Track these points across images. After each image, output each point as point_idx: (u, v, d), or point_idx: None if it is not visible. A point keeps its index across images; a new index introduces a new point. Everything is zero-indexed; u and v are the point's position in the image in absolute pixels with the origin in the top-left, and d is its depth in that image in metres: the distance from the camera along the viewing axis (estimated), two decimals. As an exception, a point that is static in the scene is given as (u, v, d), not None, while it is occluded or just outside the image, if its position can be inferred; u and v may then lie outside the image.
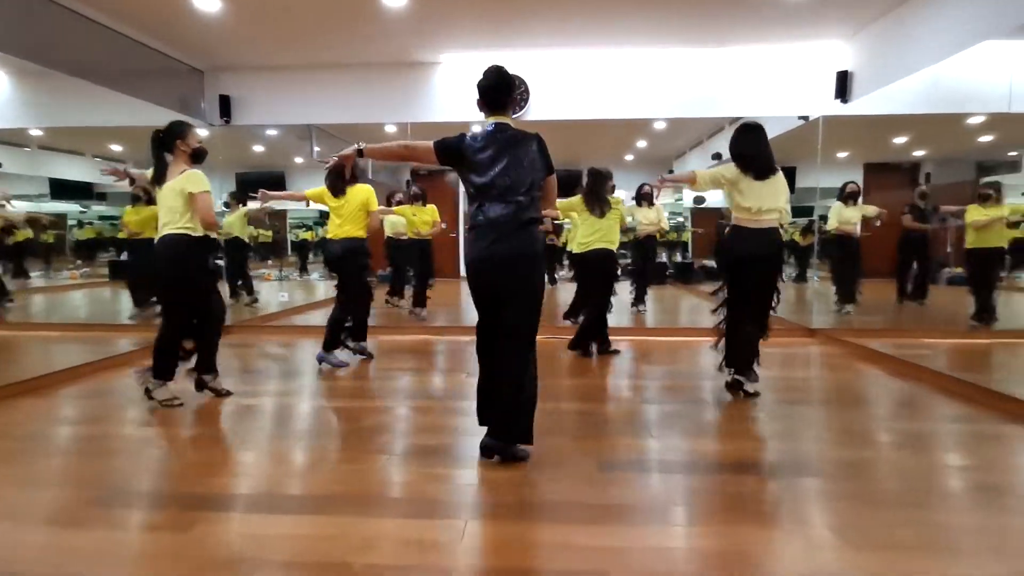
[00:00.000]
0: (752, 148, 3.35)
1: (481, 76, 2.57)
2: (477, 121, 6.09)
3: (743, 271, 3.37)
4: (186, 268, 3.23)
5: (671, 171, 10.48)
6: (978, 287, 5.49)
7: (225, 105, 6.01)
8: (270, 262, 11.23)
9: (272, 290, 9.07)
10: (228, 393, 3.51)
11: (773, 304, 3.42)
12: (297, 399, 3.61)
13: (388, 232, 7.05)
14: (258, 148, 8.59)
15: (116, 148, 7.90)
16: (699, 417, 3.19)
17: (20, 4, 4.15)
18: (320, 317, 7.01)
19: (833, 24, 5.10)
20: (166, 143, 3.22)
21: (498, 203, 2.43)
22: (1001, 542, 1.88)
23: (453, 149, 2.52)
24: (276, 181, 10.43)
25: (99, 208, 8.53)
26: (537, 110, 5.74)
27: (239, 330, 5.88)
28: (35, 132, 6.77)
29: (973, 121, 6.50)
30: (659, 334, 5.69)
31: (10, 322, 6.24)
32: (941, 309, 6.74)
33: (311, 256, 11.98)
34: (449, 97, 5.93)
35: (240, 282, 7.36)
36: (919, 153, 8.51)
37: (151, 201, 6.10)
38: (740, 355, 3.42)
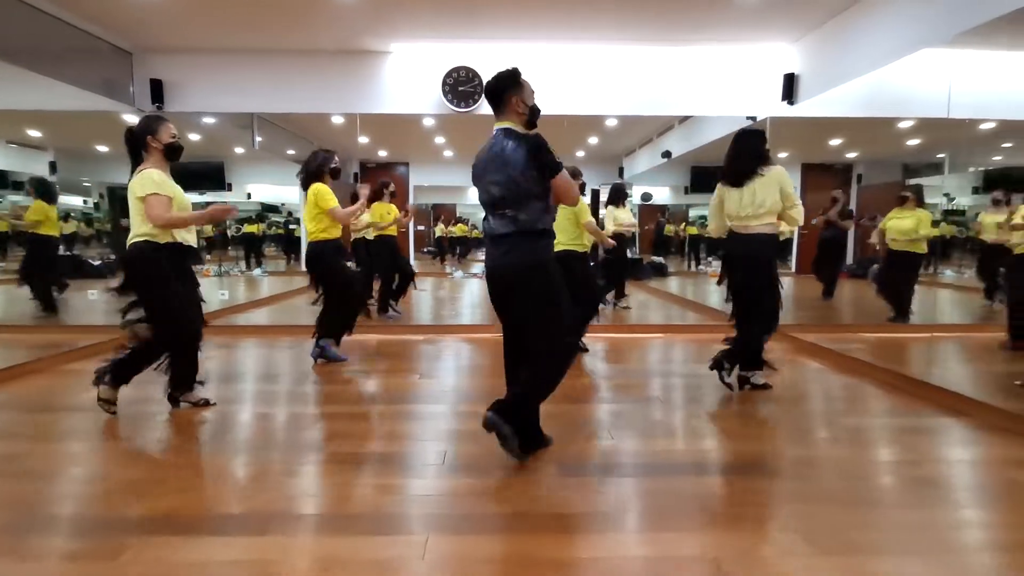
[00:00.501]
0: (728, 157, 3.52)
1: None
2: (428, 114, 5.99)
3: (731, 273, 3.56)
4: (148, 280, 2.96)
5: (621, 168, 10.64)
6: (894, 287, 5.75)
7: (157, 90, 5.61)
8: (208, 257, 10.70)
9: (211, 287, 8.61)
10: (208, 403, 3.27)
11: (771, 304, 3.46)
12: (237, 406, 3.38)
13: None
14: (194, 136, 8.11)
15: (34, 134, 7.29)
16: (652, 417, 3.17)
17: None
18: (263, 316, 6.70)
19: (780, 27, 5.22)
20: (138, 141, 2.97)
21: (495, 216, 2.41)
22: (958, 538, 1.93)
23: None
24: (215, 173, 9.96)
25: (15, 198, 7.86)
26: (486, 105, 5.62)
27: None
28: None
29: (903, 125, 6.83)
30: (610, 331, 5.71)
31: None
32: (872, 303, 7.06)
33: (267, 250, 11.63)
34: (399, 88, 5.74)
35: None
36: (852, 155, 8.93)
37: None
38: (738, 352, 3.54)
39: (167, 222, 2.90)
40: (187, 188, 7.41)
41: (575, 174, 4.48)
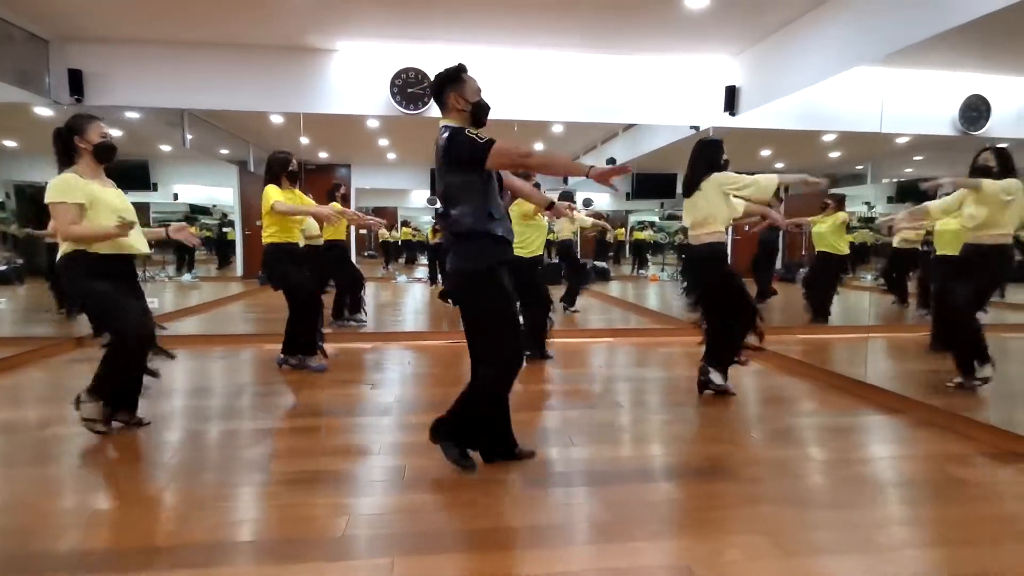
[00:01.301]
0: (688, 168, 3.55)
1: None
2: (375, 116, 5.83)
3: (688, 282, 3.66)
4: (75, 292, 2.77)
5: (565, 179, 10.77)
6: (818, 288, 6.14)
7: (76, 81, 5.17)
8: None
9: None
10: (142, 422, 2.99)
11: (738, 304, 3.49)
12: (169, 424, 3.14)
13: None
14: (115, 132, 7.55)
15: None
16: (607, 423, 3.19)
17: None
18: (194, 325, 6.32)
19: (723, 41, 5.41)
20: (66, 141, 2.74)
21: (442, 219, 2.35)
22: (914, 534, 2.02)
23: None
24: (138, 171, 9.33)
25: None
26: (436, 107, 5.52)
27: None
28: None
29: (827, 138, 7.23)
30: (558, 335, 5.72)
31: None
32: (799, 304, 7.43)
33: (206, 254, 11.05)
34: (346, 88, 5.55)
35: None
36: (779, 165, 9.39)
37: None
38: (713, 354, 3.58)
39: (73, 235, 2.65)
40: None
41: (526, 176, 4.46)
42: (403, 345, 5.17)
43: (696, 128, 6.04)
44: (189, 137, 6.37)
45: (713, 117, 5.89)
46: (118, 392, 2.88)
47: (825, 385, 3.97)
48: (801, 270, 8.45)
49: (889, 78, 4.21)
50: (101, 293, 2.72)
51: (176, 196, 10.80)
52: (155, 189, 9.81)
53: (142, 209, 9.19)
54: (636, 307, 7.85)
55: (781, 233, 7.86)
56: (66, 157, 2.77)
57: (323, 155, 8.94)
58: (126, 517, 2.08)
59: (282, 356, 4.18)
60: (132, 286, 2.88)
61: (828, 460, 2.70)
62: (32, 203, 7.20)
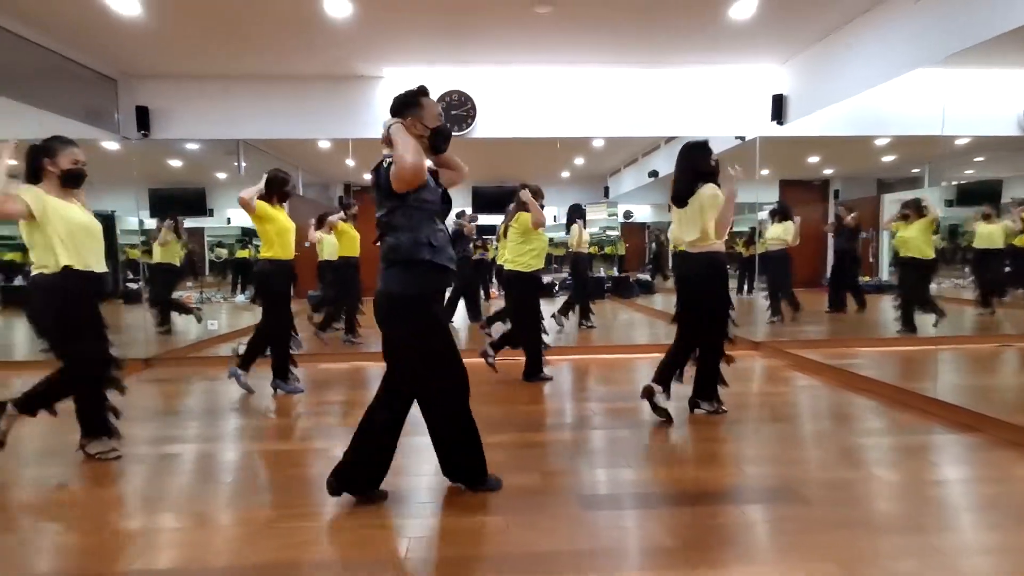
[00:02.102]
0: (673, 177, 3.36)
1: None
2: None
3: (682, 292, 3.46)
4: (46, 313, 2.74)
5: (606, 188, 10.73)
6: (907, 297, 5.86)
7: (143, 117, 5.49)
8: (189, 284, 10.44)
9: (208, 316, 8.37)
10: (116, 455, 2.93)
11: (714, 330, 3.34)
12: (227, 443, 3.25)
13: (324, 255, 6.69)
14: (176, 163, 7.96)
15: (11, 162, 7.05)
16: (665, 442, 3.13)
17: None
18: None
19: (767, 49, 5.32)
20: (36, 161, 2.75)
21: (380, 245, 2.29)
22: (1002, 563, 1.90)
23: None
24: (195, 198, 9.78)
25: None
26: (483, 127, 5.61)
27: (160, 363, 5.35)
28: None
29: (880, 142, 6.99)
30: (600, 351, 5.67)
31: None
32: (857, 317, 7.13)
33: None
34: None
35: (171, 308, 6.93)
36: (829, 171, 9.12)
37: None
38: (667, 373, 3.39)
39: None
40: (166, 213, 7.28)
41: (536, 193, 4.38)
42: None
43: (742, 138, 5.93)
44: (244, 165, 6.63)
45: (759, 127, 5.78)
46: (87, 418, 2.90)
47: (890, 401, 3.80)
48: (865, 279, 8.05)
49: (949, 78, 4.03)
50: (70, 315, 2.71)
51: (229, 220, 11.26)
52: (211, 214, 10.26)
53: (196, 234, 9.66)
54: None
55: (858, 241, 7.53)
56: (32, 176, 2.76)
57: (368, 176, 9.17)
58: (190, 538, 2.15)
59: (238, 373, 4.16)
60: (96, 310, 2.86)
61: (900, 482, 2.57)
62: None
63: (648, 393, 3.36)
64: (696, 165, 3.28)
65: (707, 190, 3.20)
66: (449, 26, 4.67)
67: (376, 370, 4.93)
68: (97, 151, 6.25)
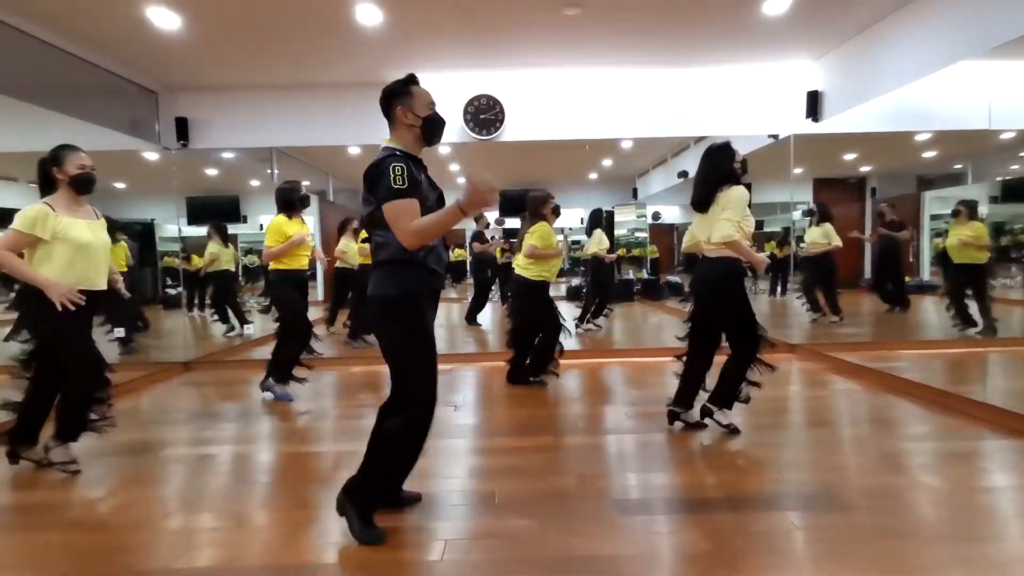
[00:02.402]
0: (695, 181, 3.21)
1: None
2: (450, 143, 6.00)
3: (698, 297, 3.29)
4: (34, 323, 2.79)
5: (635, 189, 10.65)
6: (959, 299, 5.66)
7: (182, 128, 5.67)
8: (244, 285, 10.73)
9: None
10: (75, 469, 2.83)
11: (744, 334, 3.13)
12: (263, 445, 3.31)
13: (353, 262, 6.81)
14: (212, 171, 8.19)
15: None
16: (700, 446, 3.07)
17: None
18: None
19: (801, 45, 5.22)
20: (46, 172, 2.78)
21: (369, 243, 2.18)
22: (1053, 574, 1.82)
23: None
24: (230, 206, 10.04)
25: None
26: (511, 131, 5.63)
27: (198, 367, 5.50)
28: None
29: (920, 137, 6.78)
30: (630, 355, 5.61)
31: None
32: (907, 318, 6.92)
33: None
34: (420, 118, 5.74)
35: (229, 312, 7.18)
36: (866, 168, 8.87)
37: None
38: (721, 389, 3.20)
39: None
40: (202, 221, 7.49)
41: (545, 198, 4.33)
42: (479, 366, 5.22)
43: (775, 137, 5.83)
44: (276, 172, 6.78)
45: (793, 124, 5.67)
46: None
47: (936, 406, 3.67)
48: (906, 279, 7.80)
49: (994, 71, 3.88)
50: (60, 325, 2.71)
51: (262, 226, 11.53)
52: (245, 221, 10.53)
53: (230, 241, 9.92)
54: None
55: (900, 239, 7.30)
56: (47, 186, 2.79)
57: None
58: (230, 537, 2.19)
59: (269, 382, 4.20)
60: (89, 321, 2.86)
61: (948, 489, 2.47)
62: (138, 239, 7.83)
63: (706, 413, 3.23)
64: (720, 167, 3.11)
65: (736, 191, 3.02)
66: (477, 30, 4.70)
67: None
68: (139, 161, 6.48)
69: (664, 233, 11.72)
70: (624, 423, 3.50)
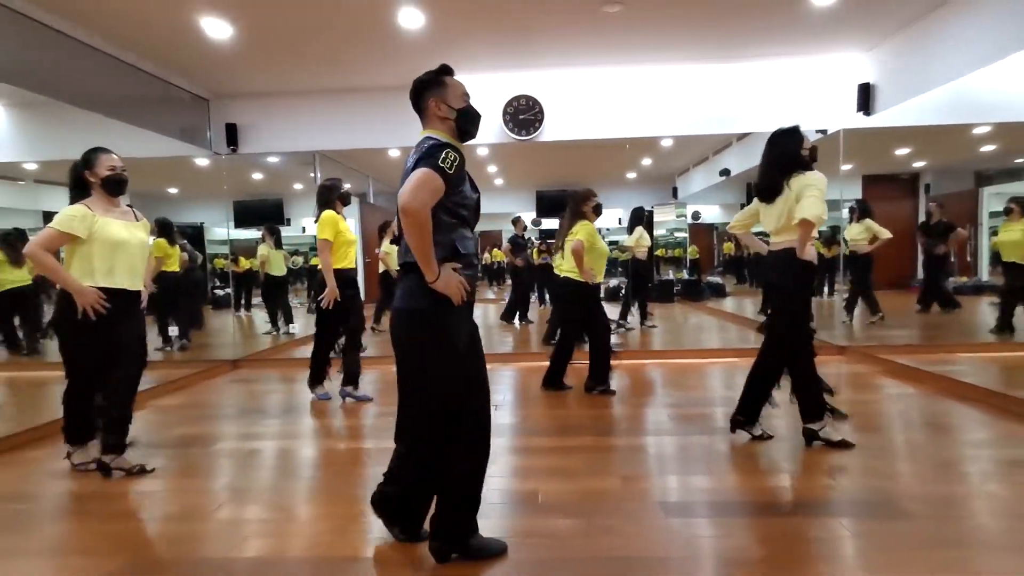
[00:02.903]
0: (759, 168, 3.02)
1: None
2: (489, 144, 6.03)
3: (767, 293, 3.19)
4: (60, 325, 2.82)
5: (675, 188, 10.48)
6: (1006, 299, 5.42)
7: (232, 134, 5.86)
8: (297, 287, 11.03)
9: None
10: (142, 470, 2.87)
11: (785, 336, 2.99)
12: (307, 442, 3.39)
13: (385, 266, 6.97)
14: (257, 175, 8.44)
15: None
16: (747, 449, 3.00)
17: (18, 32, 3.98)
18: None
19: (852, 37, 5.04)
20: (79, 176, 2.83)
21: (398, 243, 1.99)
22: None
23: None
24: (274, 209, 10.33)
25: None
26: (550, 131, 5.61)
27: (246, 365, 5.67)
28: (31, 166, 6.57)
29: (979, 131, 6.47)
30: (671, 356, 5.52)
31: None
32: (953, 319, 6.61)
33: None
34: (459, 119, 5.79)
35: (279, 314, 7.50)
36: (919, 164, 8.50)
37: None
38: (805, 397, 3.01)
39: (33, 255, 2.66)
40: (247, 224, 7.72)
41: (587, 195, 4.19)
42: (516, 366, 5.22)
43: (823, 132, 5.65)
44: (319, 175, 6.94)
45: (843, 118, 5.48)
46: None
47: (997, 411, 3.49)
48: (950, 279, 7.47)
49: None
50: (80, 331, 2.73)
51: (304, 229, 11.82)
52: (288, 224, 10.81)
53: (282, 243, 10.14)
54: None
55: (947, 238, 6.99)
56: (78, 189, 2.84)
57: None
58: (281, 528, 2.26)
59: (341, 389, 4.20)
60: (124, 320, 2.82)
61: (1013, 497, 2.35)
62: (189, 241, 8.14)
63: (811, 437, 3.01)
64: (787, 153, 2.89)
65: (815, 175, 2.80)
66: (516, 31, 4.71)
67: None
68: (190, 167, 6.73)
69: (704, 233, 11.49)
70: (665, 424, 3.45)
